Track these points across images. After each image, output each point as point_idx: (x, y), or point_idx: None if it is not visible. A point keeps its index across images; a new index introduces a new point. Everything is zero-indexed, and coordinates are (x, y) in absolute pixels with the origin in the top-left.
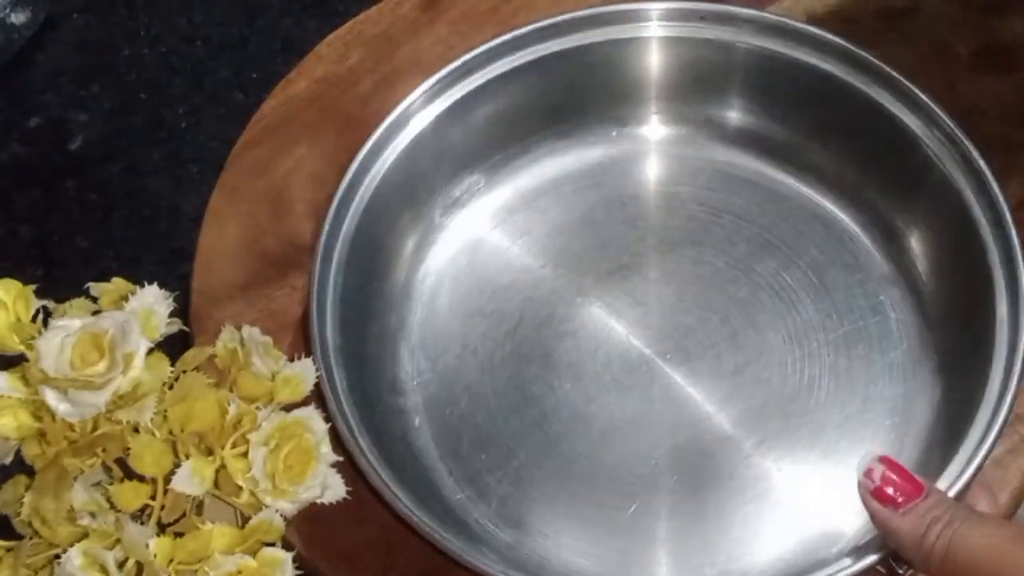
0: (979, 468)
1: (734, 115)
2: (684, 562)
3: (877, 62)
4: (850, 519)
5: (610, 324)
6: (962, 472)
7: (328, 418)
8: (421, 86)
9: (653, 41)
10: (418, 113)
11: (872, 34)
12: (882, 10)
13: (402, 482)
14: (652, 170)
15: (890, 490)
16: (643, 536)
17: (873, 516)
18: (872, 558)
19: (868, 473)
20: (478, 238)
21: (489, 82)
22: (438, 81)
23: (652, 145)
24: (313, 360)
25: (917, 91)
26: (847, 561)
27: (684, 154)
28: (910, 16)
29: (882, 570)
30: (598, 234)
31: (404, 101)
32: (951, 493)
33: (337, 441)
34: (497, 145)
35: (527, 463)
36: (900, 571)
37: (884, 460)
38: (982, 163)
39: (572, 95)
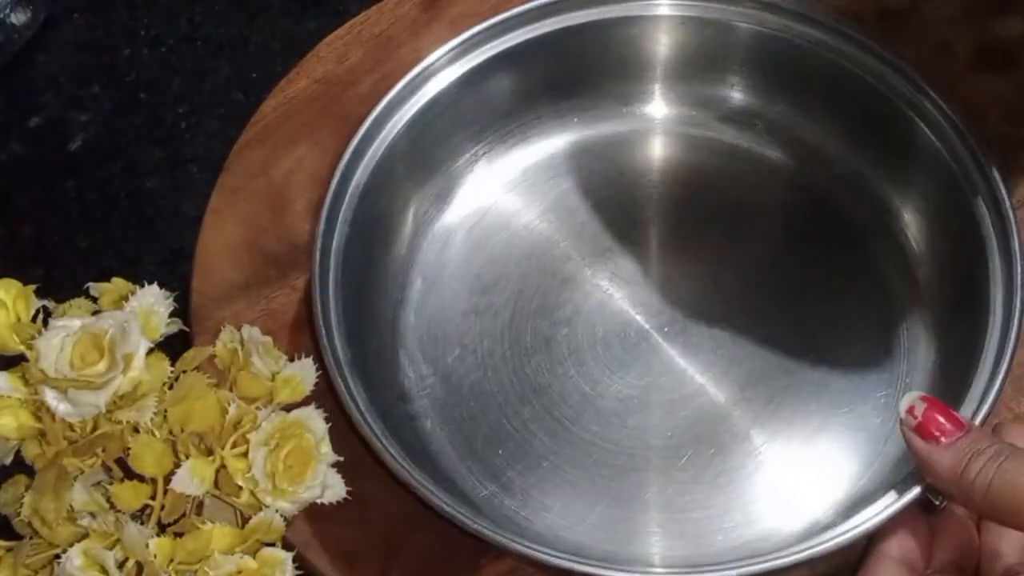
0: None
1: (736, 95)
2: (710, 530)
3: (879, 47)
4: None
5: (605, 305)
6: None
7: (355, 429)
8: (404, 78)
9: (659, 20)
10: (397, 110)
11: (872, 33)
12: (882, 10)
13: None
14: (651, 148)
15: (932, 425)
16: (669, 508)
17: (913, 451)
18: (916, 491)
19: (910, 410)
20: (467, 231)
21: (491, 62)
22: (418, 74)
23: (655, 123)
24: (330, 375)
25: (918, 76)
26: (892, 495)
27: (686, 132)
28: (910, 16)
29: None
30: (591, 214)
31: (389, 94)
32: None
33: (373, 456)
34: (495, 127)
35: (544, 452)
36: (936, 502)
37: (926, 399)
38: (975, 141)
39: (574, 73)
